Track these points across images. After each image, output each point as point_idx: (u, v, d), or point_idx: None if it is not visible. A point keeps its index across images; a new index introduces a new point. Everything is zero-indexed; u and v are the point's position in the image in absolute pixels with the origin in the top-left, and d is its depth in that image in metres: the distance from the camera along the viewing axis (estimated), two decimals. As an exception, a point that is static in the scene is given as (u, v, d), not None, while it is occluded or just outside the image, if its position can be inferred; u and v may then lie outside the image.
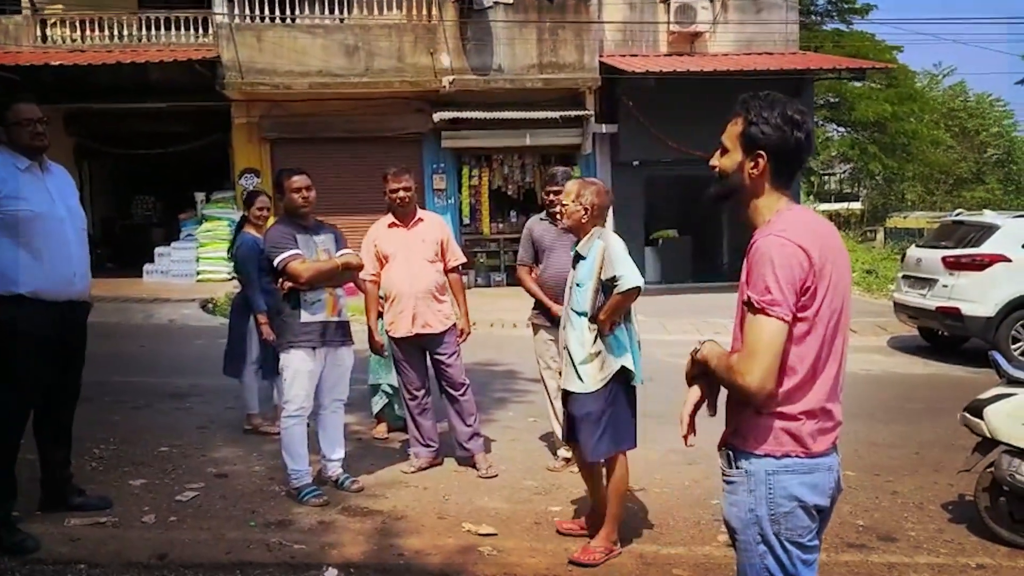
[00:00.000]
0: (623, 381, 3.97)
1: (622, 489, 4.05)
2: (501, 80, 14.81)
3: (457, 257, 5.33)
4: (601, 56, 15.14)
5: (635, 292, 3.88)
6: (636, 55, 15.59)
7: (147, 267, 15.13)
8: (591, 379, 3.92)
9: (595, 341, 3.92)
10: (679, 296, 14.04)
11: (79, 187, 15.66)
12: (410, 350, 5.18)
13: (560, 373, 4.20)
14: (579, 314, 3.98)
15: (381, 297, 5.27)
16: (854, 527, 4.43)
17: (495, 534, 4.21)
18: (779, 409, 2.10)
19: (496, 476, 5.09)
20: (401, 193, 5.12)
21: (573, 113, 14.99)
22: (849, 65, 16.69)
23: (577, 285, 4.02)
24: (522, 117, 14.65)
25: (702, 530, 4.35)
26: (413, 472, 5.13)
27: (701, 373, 2.22)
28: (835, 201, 35.34)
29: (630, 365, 3.95)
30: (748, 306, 2.06)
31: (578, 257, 4.07)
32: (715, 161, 2.29)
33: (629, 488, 4.91)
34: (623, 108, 15.41)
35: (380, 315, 5.31)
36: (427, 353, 5.23)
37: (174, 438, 5.77)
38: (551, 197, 5.08)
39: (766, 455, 2.13)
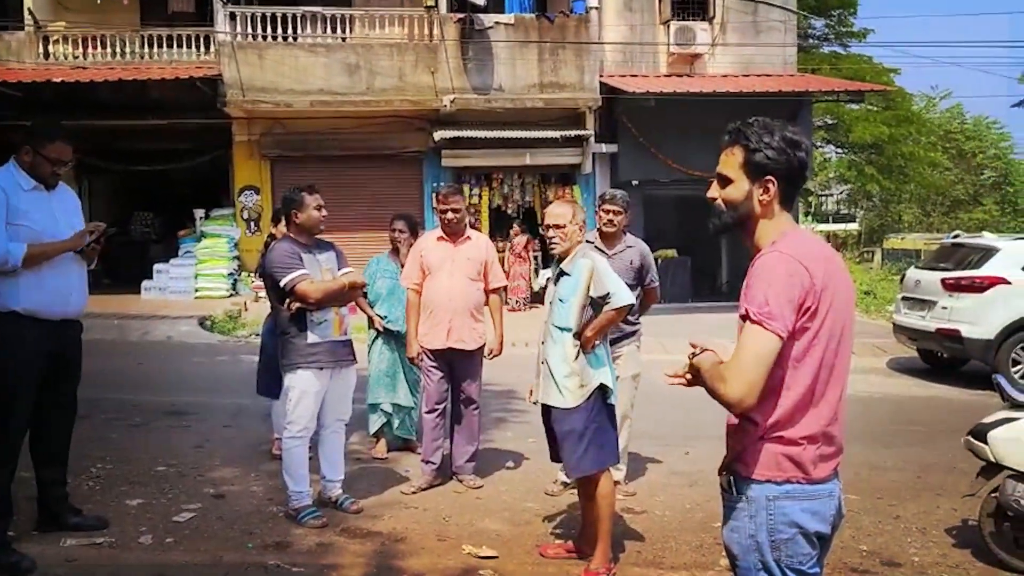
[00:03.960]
0: (603, 397, 4.02)
1: (610, 506, 4.04)
2: (501, 99, 14.87)
3: (499, 279, 5.46)
4: (601, 76, 15.22)
5: (627, 309, 4.04)
6: (636, 75, 15.67)
7: (145, 284, 15.09)
8: (572, 394, 3.97)
9: (577, 357, 3.98)
10: (678, 316, 14.00)
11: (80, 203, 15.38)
12: (439, 362, 5.24)
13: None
14: (561, 329, 4.03)
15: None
16: (857, 552, 4.39)
17: (496, 557, 4.17)
18: (780, 434, 2.09)
19: (482, 487, 5.17)
20: (449, 215, 5.23)
21: (573, 133, 15.06)
22: (847, 87, 16.80)
23: (560, 301, 4.06)
24: (522, 136, 14.71)
25: (704, 554, 4.31)
26: (414, 493, 5.10)
27: (696, 377, 2.18)
28: (832, 222, 35.46)
29: (608, 381, 4.02)
30: (744, 318, 2.05)
31: (561, 274, 4.11)
32: (714, 193, 2.28)
33: (631, 510, 4.90)
34: (623, 128, 15.47)
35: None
36: (451, 369, 5.27)
37: (171, 457, 5.72)
38: (609, 216, 5.11)
39: (767, 481, 2.11)
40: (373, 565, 4.05)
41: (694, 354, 2.15)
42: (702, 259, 17.32)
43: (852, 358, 2.22)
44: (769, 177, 2.17)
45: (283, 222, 5.56)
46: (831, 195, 38.63)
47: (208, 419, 6.93)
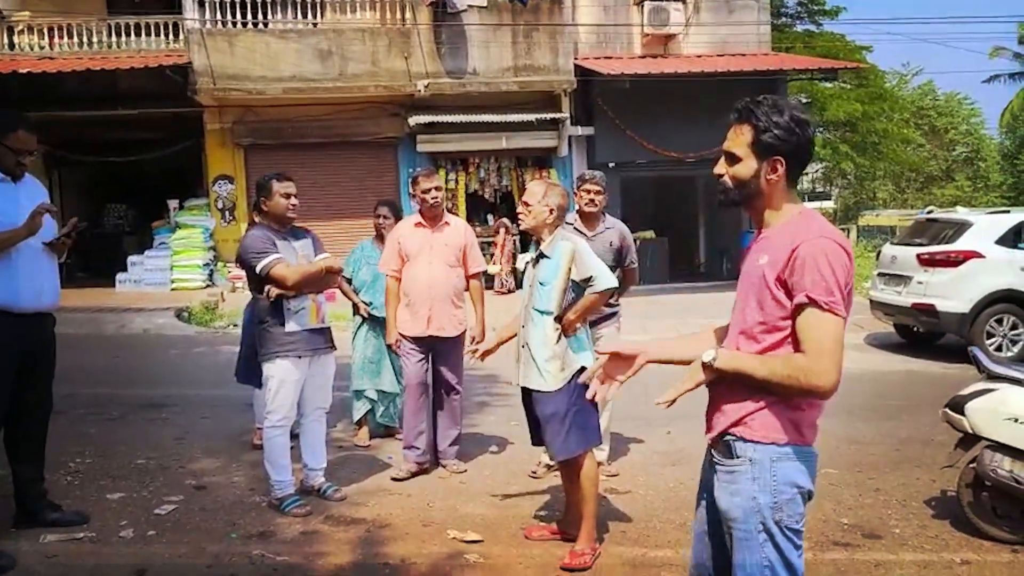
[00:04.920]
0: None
1: (594, 487, 4.05)
2: (476, 83, 14.78)
3: (479, 264, 5.38)
4: (576, 58, 15.17)
5: (609, 292, 4.02)
6: (611, 57, 15.63)
7: (120, 276, 14.91)
8: (553, 377, 3.97)
9: (558, 340, 3.97)
10: (657, 297, 14.06)
11: (50, 196, 15.35)
12: (419, 346, 5.19)
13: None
14: (542, 313, 4.01)
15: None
16: (839, 525, 4.43)
17: (481, 541, 4.16)
18: (790, 400, 2.16)
19: (465, 471, 5.15)
20: (433, 192, 5.15)
21: (549, 116, 15.01)
22: (821, 65, 16.86)
23: (540, 284, 4.05)
24: (498, 120, 14.64)
25: (688, 532, 4.30)
26: (404, 478, 5.08)
27: (716, 380, 2.21)
28: (808, 200, 35.66)
29: (589, 364, 3.97)
30: (804, 307, 2.09)
31: (541, 256, 4.10)
32: (721, 169, 2.30)
33: (614, 491, 4.92)
34: (598, 110, 15.45)
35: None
36: (431, 356, 5.24)
37: (151, 450, 5.67)
38: (591, 196, 5.07)
39: (771, 443, 2.18)
40: (358, 552, 4.03)
41: (712, 360, 2.15)
42: (679, 240, 17.40)
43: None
44: (778, 157, 2.21)
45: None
46: (806, 173, 38.85)
47: (187, 411, 6.87)
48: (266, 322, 4.49)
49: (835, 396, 2.11)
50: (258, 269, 4.39)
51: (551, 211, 4.08)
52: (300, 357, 4.50)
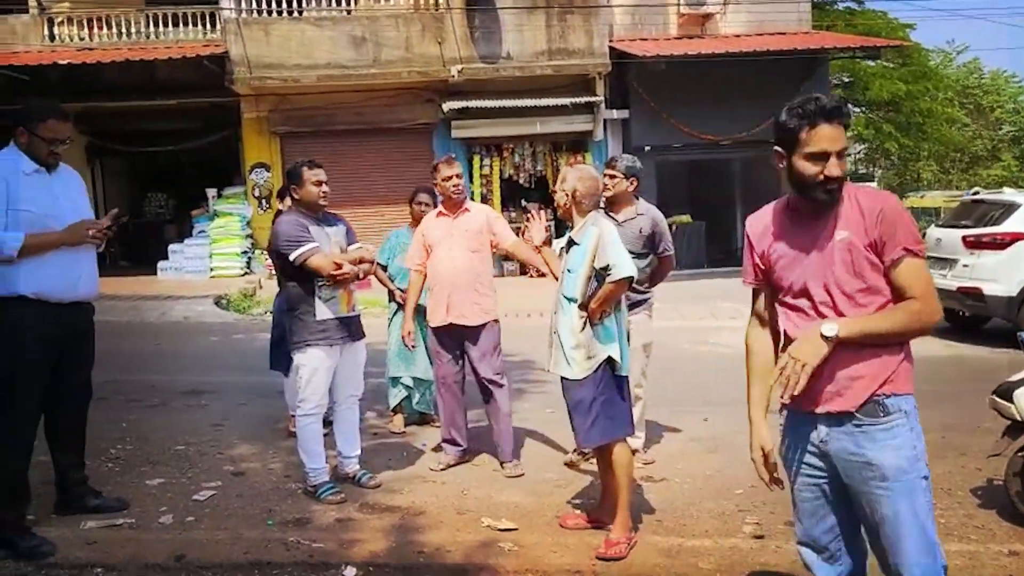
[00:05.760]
0: (611, 369, 3.94)
1: (628, 475, 4.00)
2: (510, 68, 14.70)
3: (510, 236, 5.20)
4: (611, 41, 15.00)
5: (628, 282, 3.89)
6: (646, 39, 15.44)
7: (161, 264, 15.16)
8: (579, 366, 3.92)
9: (583, 328, 3.91)
10: (694, 282, 13.92)
11: (91, 186, 15.60)
12: (446, 341, 5.09)
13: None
14: (569, 300, 3.97)
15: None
16: (881, 515, 4.33)
17: (515, 529, 4.14)
18: (907, 351, 2.44)
19: (521, 475, 4.98)
20: (455, 180, 5.08)
21: (583, 99, 14.89)
22: (863, 44, 16.46)
23: (568, 271, 4.00)
24: (532, 105, 14.56)
25: (726, 521, 4.27)
26: (441, 469, 5.06)
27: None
28: (851, 181, 34.97)
29: (616, 355, 3.92)
30: (902, 259, 2.35)
31: (571, 243, 4.05)
32: (841, 170, 2.45)
33: (650, 479, 4.87)
34: (634, 93, 15.29)
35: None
36: (463, 348, 5.12)
37: (190, 436, 5.74)
38: (604, 180, 4.95)
39: (909, 393, 2.45)
40: (392, 540, 4.03)
41: (833, 333, 2.33)
42: (716, 224, 17.18)
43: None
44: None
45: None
46: (849, 154, 38.13)
47: (225, 397, 6.94)
48: (297, 310, 4.50)
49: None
50: (292, 258, 4.38)
51: (568, 196, 4.01)
52: (332, 345, 4.49)
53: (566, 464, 5.15)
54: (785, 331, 2.54)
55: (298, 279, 4.48)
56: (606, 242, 3.88)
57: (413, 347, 5.29)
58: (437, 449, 5.33)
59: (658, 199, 15.66)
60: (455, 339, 5.09)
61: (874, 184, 32.60)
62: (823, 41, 15.76)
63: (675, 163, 16.66)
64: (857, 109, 27.91)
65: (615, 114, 15.44)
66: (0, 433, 3.84)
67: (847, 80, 25.05)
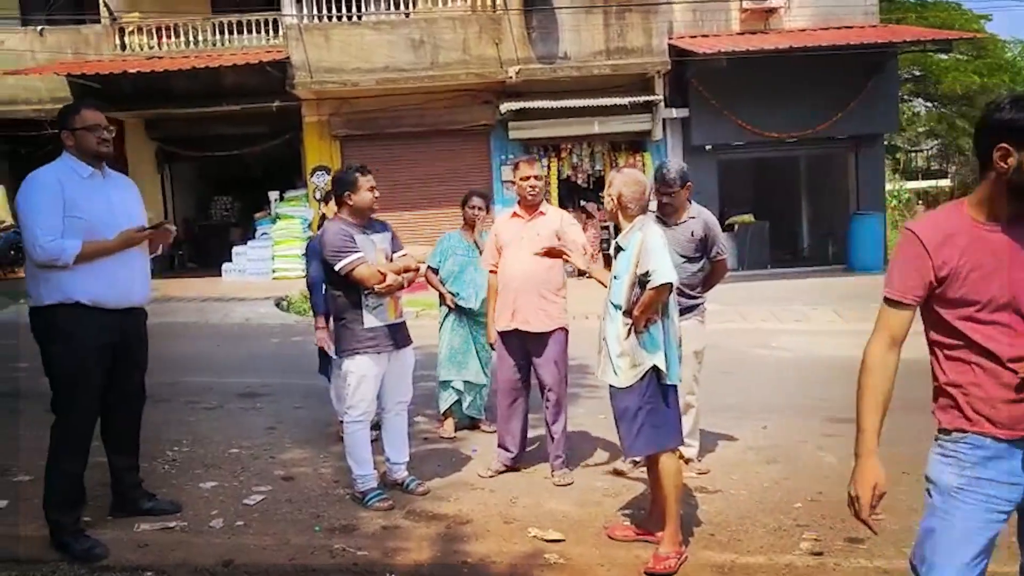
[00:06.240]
0: (658, 378, 3.83)
1: (676, 486, 3.88)
2: (567, 68, 14.59)
3: (576, 248, 4.84)
4: (670, 38, 14.75)
5: (667, 288, 3.75)
6: (707, 35, 15.15)
7: (226, 266, 15.50)
8: (624, 374, 3.84)
9: (628, 336, 3.82)
10: (756, 283, 13.61)
11: (161, 190, 16.04)
12: (510, 346, 5.00)
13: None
14: (616, 307, 3.88)
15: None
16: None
17: (562, 540, 4.06)
18: None
19: (571, 484, 4.88)
20: (532, 180, 4.94)
21: (642, 99, 14.69)
22: (934, 36, 15.87)
23: (615, 277, 3.92)
24: (590, 105, 14.42)
25: (783, 537, 4.11)
26: (489, 476, 5.00)
27: None
28: (922, 179, 33.86)
29: (662, 364, 3.80)
30: None
31: (618, 248, 3.96)
32: None
33: (704, 489, 4.73)
34: (694, 91, 15.01)
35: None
36: (527, 354, 5.01)
37: (244, 439, 5.80)
38: (663, 199, 4.84)
39: None
40: (438, 549, 3.99)
41: None
42: (781, 224, 16.78)
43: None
44: None
45: (333, 202, 5.55)
46: (921, 151, 36.91)
47: (281, 400, 7.02)
48: (344, 319, 4.49)
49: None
50: (337, 268, 4.39)
51: (614, 200, 3.93)
52: (380, 353, 4.48)
53: (615, 472, 5.05)
54: (990, 349, 2.26)
55: (344, 288, 4.47)
56: (648, 247, 3.77)
57: (493, 349, 5.20)
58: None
59: (720, 198, 15.44)
60: (520, 345, 5.00)
61: (946, 182, 31.50)
62: (892, 35, 15.24)
63: (737, 161, 16.33)
64: (929, 104, 27.00)
65: (674, 113, 15.20)
66: (58, 438, 3.92)
67: (918, 74, 24.27)
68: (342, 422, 5.26)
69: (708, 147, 15.23)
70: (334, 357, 5.03)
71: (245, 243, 15.91)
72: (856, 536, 4.02)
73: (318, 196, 15.64)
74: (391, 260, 4.58)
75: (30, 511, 4.21)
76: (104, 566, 3.78)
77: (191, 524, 4.29)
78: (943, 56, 21.45)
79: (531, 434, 5.31)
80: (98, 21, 15.42)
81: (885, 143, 19.26)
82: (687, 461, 5.04)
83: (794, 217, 17.95)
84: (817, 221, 17.59)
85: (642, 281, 3.77)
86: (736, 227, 15.74)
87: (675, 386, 3.90)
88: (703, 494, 4.68)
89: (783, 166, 17.65)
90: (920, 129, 31.79)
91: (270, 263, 15.30)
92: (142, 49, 15.20)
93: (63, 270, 3.80)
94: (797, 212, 18.01)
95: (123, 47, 15.22)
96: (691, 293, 4.87)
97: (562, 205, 15.40)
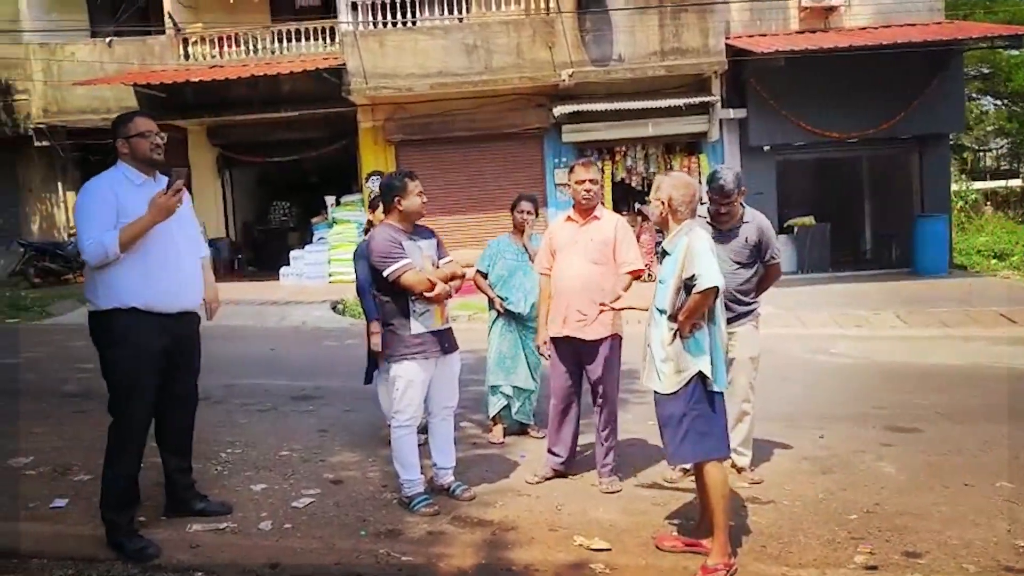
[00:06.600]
0: (704, 385, 3.76)
1: (723, 496, 3.80)
2: (621, 70, 14.47)
3: (629, 262, 4.84)
4: (727, 38, 14.53)
5: (712, 292, 3.68)
6: (765, 35, 14.88)
7: (283, 270, 15.80)
8: (668, 380, 3.79)
9: (672, 341, 3.75)
10: (816, 287, 13.30)
11: (221, 195, 16.41)
12: (562, 352, 4.97)
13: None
14: (660, 312, 3.83)
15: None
16: (1012, 547, 3.95)
17: (609, 549, 4.01)
18: None
19: (619, 491, 4.83)
20: (588, 184, 4.87)
21: (698, 99, 14.49)
22: (1003, 32, 15.30)
23: (660, 282, 3.87)
24: (644, 107, 14.29)
25: (836, 549, 3.98)
26: (536, 482, 4.96)
27: None
28: (991, 179, 32.72)
29: (707, 370, 3.73)
30: None
31: (664, 253, 3.92)
32: None
33: (756, 500, 4.62)
34: (751, 91, 14.76)
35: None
36: (580, 360, 4.97)
37: (295, 442, 5.87)
38: (722, 209, 4.74)
39: None
40: (482, 556, 3.98)
41: None
42: (842, 226, 16.38)
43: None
44: None
45: (380, 209, 5.59)
46: (989, 150, 35.68)
47: (333, 403, 7.09)
48: (392, 324, 4.52)
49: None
50: (386, 274, 4.41)
51: (664, 204, 3.87)
52: (427, 359, 4.49)
53: (664, 480, 4.96)
54: None
55: (392, 294, 4.50)
56: (694, 251, 3.71)
57: (547, 357, 5.13)
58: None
59: (778, 200, 15.16)
60: (572, 351, 4.95)
61: (1017, 181, 30.39)
62: (957, 31, 14.74)
63: (796, 162, 16.01)
64: (998, 102, 26.10)
65: (731, 113, 14.96)
66: (114, 440, 4.02)
67: (986, 71, 23.48)
68: (388, 426, 5.31)
69: (766, 148, 14.95)
70: (383, 362, 5.06)
71: (303, 247, 16.18)
72: (914, 551, 3.88)
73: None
74: (437, 267, 4.58)
75: (88, 510, 4.33)
76: (156, 566, 3.85)
77: (241, 526, 4.35)
78: (1013, 52, 20.68)
79: (581, 441, 5.27)
80: (163, 32, 15.87)
81: (951, 142, 18.66)
82: (740, 470, 4.94)
83: (856, 219, 17.51)
84: (880, 223, 17.13)
85: (687, 286, 3.71)
86: (795, 229, 15.41)
87: (722, 393, 3.82)
88: (755, 504, 4.57)
89: (844, 167, 17.23)
90: (989, 128, 30.76)
91: (327, 267, 15.53)
92: (204, 58, 15.61)
93: (117, 264, 3.88)
94: (859, 214, 17.56)
95: (186, 56, 15.65)
96: (745, 300, 4.77)
97: (617, 208, 15.29)
